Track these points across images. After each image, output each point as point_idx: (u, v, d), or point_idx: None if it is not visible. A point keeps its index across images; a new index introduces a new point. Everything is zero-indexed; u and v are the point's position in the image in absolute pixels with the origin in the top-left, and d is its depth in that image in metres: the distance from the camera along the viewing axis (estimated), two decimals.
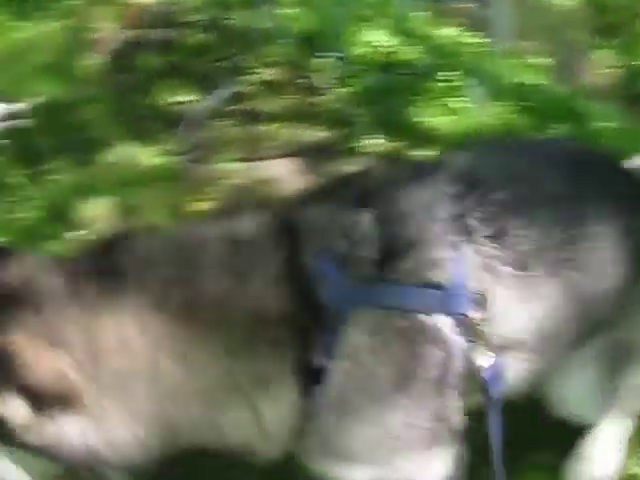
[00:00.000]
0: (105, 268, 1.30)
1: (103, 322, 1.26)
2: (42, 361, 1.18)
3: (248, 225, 1.43)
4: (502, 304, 1.56)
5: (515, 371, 1.63)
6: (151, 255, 1.36)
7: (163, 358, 1.28)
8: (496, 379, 1.54)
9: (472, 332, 1.51)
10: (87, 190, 3.21)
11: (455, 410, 1.57)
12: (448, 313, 1.51)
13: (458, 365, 1.53)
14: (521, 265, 1.56)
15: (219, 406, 1.37)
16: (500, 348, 1.57)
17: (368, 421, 1.47)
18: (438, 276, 1.50)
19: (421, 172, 1.63)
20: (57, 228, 3.02)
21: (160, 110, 3.65)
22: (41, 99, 3.70)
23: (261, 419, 1.40)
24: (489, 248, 1.56)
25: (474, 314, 1.51)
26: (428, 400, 1.51)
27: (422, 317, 1.49)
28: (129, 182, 3.25)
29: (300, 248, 1.44)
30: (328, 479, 1.58)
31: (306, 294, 1.41)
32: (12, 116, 3.54)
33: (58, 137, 3.51)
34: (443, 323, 1.51)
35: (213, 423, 1.38)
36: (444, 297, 1.49)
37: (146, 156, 3.40)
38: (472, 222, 1.56)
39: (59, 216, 3.10)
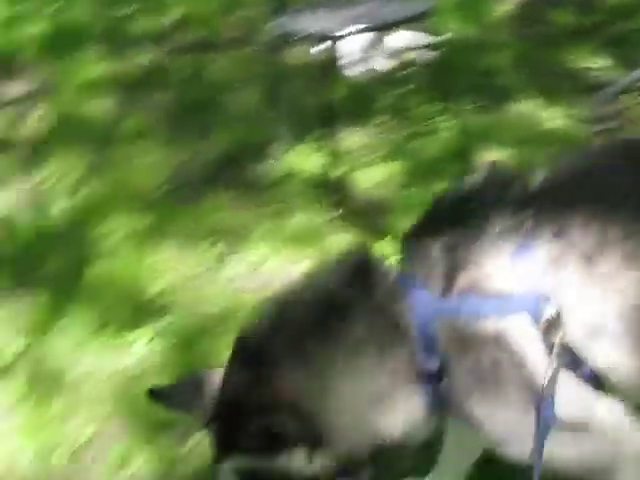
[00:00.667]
0: None
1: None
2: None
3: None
4: (573, 302, 1.59)
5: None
6: None
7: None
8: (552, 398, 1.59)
9: (546, 336, 1.57)
10: (488, 136, 3.31)
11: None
12: (523, 317, 1.59)
13: (535, 371, 1.60)
14: (588, 260, 1.59)
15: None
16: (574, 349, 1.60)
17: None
18: (508, 283, 1.59)
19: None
20: (456, 167, 3.18)
21: (569, 70, 3.62)
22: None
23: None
24: (555, 246, 1.59)
25: (548, 316, 1.56)
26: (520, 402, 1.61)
27: (499, 323, 1.58)
28: (527, 139, 3.29)
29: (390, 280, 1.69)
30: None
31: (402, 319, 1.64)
32: (431, 47, 3.75)
33: (467, 77, 3.66)
34: (519, 329, 1.58)
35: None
36: (517, 303, 1.58)
37: (549, 116, 3.45)
38: (534, 221, 1.62)
39: (460, 155, 3.24)
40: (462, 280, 1.62)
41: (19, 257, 3.29)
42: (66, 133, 4.04)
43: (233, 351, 1.73)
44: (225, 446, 1.67)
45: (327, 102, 3.81)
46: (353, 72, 3.89)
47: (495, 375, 1.61)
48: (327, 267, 1.77)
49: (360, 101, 3.88)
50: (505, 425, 1.66)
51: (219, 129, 3.91)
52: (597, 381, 1.64)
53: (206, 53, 4.65)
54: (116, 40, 4.93)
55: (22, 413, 2.58)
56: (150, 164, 3.73)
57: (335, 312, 1.67)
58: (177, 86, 4.35)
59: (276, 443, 1.60)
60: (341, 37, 3.48)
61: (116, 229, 3.32)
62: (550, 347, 1.58)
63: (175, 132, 3.95)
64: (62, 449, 2.46)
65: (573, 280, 1.60)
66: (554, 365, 1.58)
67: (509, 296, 1.60)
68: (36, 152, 4.01)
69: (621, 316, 1.59)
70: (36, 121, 4.29)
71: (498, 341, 1.59)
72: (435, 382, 1.65)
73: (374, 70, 4.06)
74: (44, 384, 2.70)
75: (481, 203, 1.68)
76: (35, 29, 5.18)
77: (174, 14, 5.16)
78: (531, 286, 1.59)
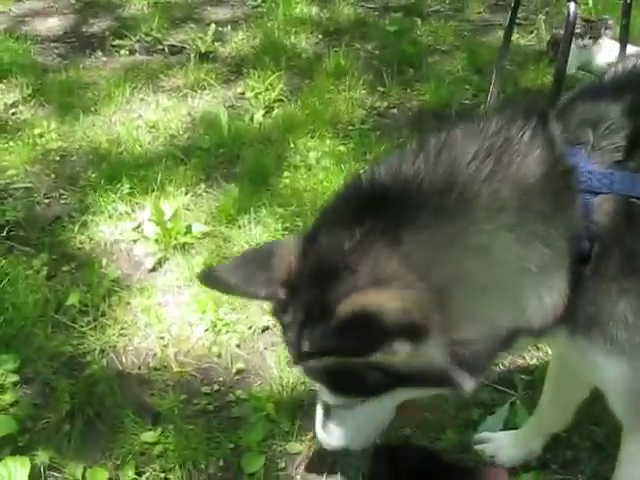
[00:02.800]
0: None
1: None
2: (395, 306, 1.22)
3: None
4: None
5: None
6: None
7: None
8: None
9: None
10: None
11: None
12: None
13: None
14: None
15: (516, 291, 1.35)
16: None
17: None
18: None
19: None
20: None
21: None
22: None
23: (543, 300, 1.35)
24: None
25: None
26: None
27: None
28: None
29: (555, 142, 1.36)
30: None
31: (563, 185, 1.34)
32: None
33: None
34: None
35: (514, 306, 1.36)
36: None
37: None
38: None
39: None
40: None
41: (217, 151, 3.32)
42: (267, 55, 4.07)
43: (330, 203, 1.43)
44: (309, 341, 1.32)
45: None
46: None
47: None
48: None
49: None
50: None
51: (423, 85, 3.87)
52: None
53: (412, 17, 4.65)
54: None
55: (200, 289, 2.53)
56: (349, 99, 3.71)
57: (472, 171, 1.33)
58: (382, 39, 4.34)
59: (372, 334, 1.22)
60: None
61: (314, 147, 3.30)
62: None
63: (376, 80, 3.93)
64: (232, 330, 2.46)
65: None
66: None
67: None
68: (238, 67, 4.09)
69: None
70: (240, 41, 4.39)
71: None
72: (583, 265, 1.34)
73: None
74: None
75: None
76: None
77: None
78: None
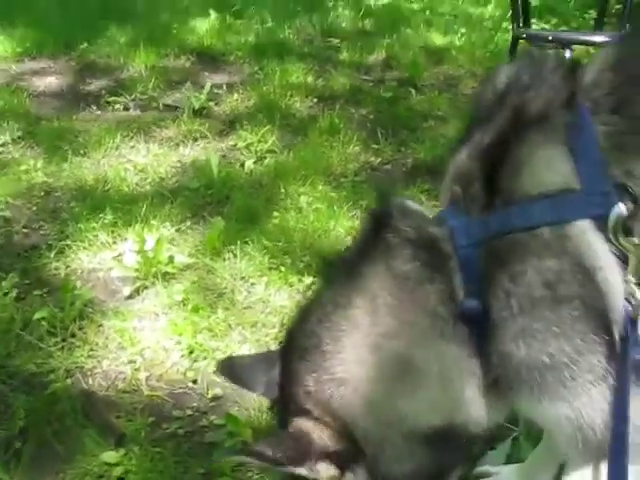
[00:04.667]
0: None
1: None
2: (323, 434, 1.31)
3: None
4: None
5: None
6: None
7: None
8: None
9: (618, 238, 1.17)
10: None
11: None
12: (586, 217, 1.19)
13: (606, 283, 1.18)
14: None
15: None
16: None
17: (533, 345, 1.21)
18: (563, 178, 1.19)
19: None
20: None
21: None
22: None
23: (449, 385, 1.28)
24: (617, 124, 1.19)
25: (620, 210, 1.16)
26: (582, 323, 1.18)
27: (556, 231, 1.19)
28: None
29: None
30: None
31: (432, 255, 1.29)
32: None
33: None
34: (582, 231, 1.18)
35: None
36: (577, 202, 1.20)
37: None
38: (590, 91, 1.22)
39: None
40: (505, 187, 1.22)
41: (205, 192, 3.24)
42: (261, 113, 4.08)
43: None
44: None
45: None
46: None
47: (554, 299, 1.18)
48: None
49: None
50: (566, 370, 1.19)
51: (418, 145, 3.84)
52: None
53: (407, 87, 4.71)
54: (321, 61, 5.07)
55: (179, 316, 2.43)
56: (342, 154, 3.67)
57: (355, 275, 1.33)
58: (376, 104, 4.36)
59: (299, 451, 1.29)
60: None
61: (305, 192, 3.22)
62: (625, 257, 1.16)
63: (370, 138, 3.91)
64: (210, 357, 2.28)
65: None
66: (633, 279, 1.15)
67: (565, 196, 1.19)
68: (231, 123, 4.07)
69: None
70: (234, 101, 4.40)
71: (557, 253, 1.18)
72: (479, 328, 1.24)
73: None
74: (204, 295, 2.56)
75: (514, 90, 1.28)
76: (244, 38, 5.47)
77: (379, 54, 5.30)
78: (592, 181, 1.19)
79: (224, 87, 4.57)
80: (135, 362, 2.26)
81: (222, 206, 3.14)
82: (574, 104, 1.21)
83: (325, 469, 1.30)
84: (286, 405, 1.37)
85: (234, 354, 2.28)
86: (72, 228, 2.91)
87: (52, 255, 2.75)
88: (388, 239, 1.29)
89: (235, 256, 2.74)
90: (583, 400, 1.22)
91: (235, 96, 4.45)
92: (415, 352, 1.28)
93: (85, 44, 5.13)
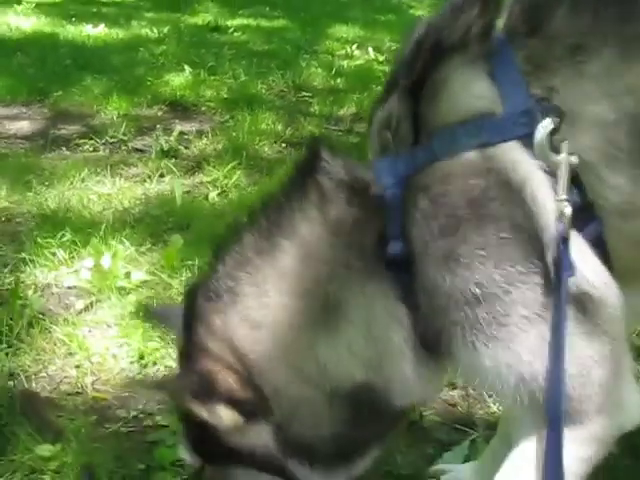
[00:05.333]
0: None
1: None
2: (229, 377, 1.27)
3: None
4: (571, 105, 1.15)
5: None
6: None
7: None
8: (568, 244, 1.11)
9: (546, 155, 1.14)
10: None
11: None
12: (511, 138, 1.17)
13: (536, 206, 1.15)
14: (576, 52, 1.16)
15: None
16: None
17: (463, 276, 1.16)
18: (484, 101, 1.19)
19: None
20: None
21: None
22: None
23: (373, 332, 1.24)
24: (534, 46, 1.19)
25: (545, 126, 1.14)
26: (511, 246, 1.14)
27: (482, 153, 1.17)
28: None
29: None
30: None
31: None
32: None
33: None
34: (507, 149, 1.16)
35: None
36: (502, 122, 1.17)
37: None
38: (505, 22, 1.22)
39: None
40: (427, 118, 1.21)
41: (167, 219, 3.23)
42: (229, 154, 4.12)
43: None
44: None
45: None
46: None
47: (478, 218, 1.14)
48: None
49: None
50: (498, 304, 1.13)
51: None
52: (603, 246, 1.17)
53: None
54: (291, 112, 5.17)
55: (131, 324, 2.38)
56: None
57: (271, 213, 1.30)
58: (346, 150, 4.41)
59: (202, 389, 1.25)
60: None
61: None
62: (553, 174, 1.13)
63: None
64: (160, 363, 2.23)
65: (566, 85, 1.17)
66: (564, 195, 1.11)
67: (489, 118, 1.18)
68: (198, 163, 4.10)
69: (636, 129, 1.14)
70: (203, 145, 4.45)
71: (481, 171, 1.16)
72: (402, 272, 1.20)
73: None
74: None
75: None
76: (216, 91, 5.58)
77: (349, 108, 5.41)
78: (514, 102, 1.17)
79: (194, 132, 4.64)
80: (82, 367, 2.21)
81: (183, 231, 3.14)
82: (490, 33, 1.21)
83: (228, 414, 1.25)
84: (192, 346, 1.31)
85: None
86: (29, 247, 2.88)
87: (6, 270, 2.72)
88: (320, 182, 1.27)
89: (193, 273, 2.73)
90: (522, 341, 1.15)
91: (204, 140, 4.49)
92: (340, 296, 1.24)
93: (60, 92, 5.21)
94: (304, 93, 5.76)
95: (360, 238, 1.25)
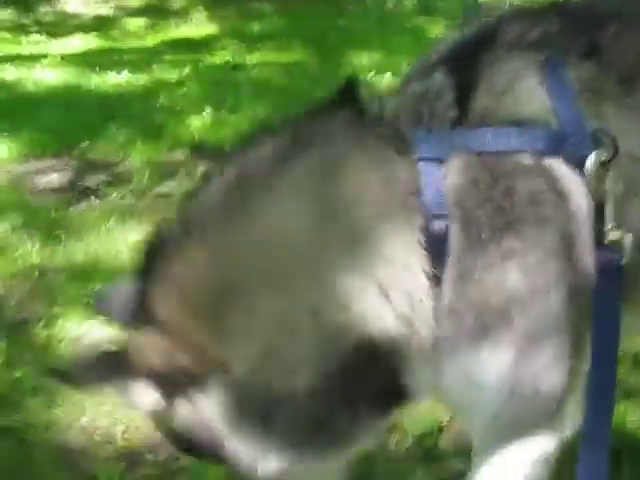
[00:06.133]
0: None
1: None
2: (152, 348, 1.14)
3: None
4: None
5: None
6: None
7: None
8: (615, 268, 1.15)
9: (596, 182, 1.17)
10: None
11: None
12: (563, 155, 1.20)
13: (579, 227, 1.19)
14: (626, 82, 1.20)
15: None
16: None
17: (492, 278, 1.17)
18: (539, 109, 1.21)
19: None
20: None
21: None
22: None
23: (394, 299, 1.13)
24: (587, 67, 1.23)
25: (598, 156, 1.17)
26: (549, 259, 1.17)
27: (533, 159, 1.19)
28: None
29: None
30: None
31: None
32: None
33: None
34: (557, 169, 1.19)
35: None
36: (555, 136, 1.19)
37: None
38: (562, 40, 1.25)
39: None
40: (476, 109, 1.23)
41: None
42: None
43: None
44: None
45: None
46: None
47: (533, 225, 1.15)
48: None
49: None
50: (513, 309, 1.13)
51: None
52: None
53: None
54: None
55: None
56: None
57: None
58: None
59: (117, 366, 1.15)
60: None
61: None
62: (599, 200, 1.16)
63: None
64: None
65: (611, 114, 1.20)
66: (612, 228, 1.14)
67: (545, 129, 1.20)
68: None
69: None
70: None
71: (534, 177, 1.18)
72: (440, 251, 1.16)
73: None
74: None
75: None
76: (237, 129, 5.73)
77: None
78: (571, 122, 1.20)
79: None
80: (113, 417, 2.33)
81: None
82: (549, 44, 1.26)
83: (144, 394, 1.14)
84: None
85: None
86: (61, 301, 3.03)
87: (40, 325, 2.87)
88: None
89: None
90: (532, 351, 1.17)
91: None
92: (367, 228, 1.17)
93: (86, 143, 5.42)
94: None
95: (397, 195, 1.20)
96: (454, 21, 10.23)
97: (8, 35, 10.97)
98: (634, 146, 1.20)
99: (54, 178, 5.13)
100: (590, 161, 1.18)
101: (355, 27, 11.55)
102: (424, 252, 1.16)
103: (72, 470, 2.10)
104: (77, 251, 3.61)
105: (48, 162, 5.48)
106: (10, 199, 4.44)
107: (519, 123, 1.21)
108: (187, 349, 1.12)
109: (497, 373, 1.18)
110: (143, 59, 9.10)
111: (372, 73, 8.04)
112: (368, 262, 1.14)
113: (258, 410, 1.13)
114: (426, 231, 1.16)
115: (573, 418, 1.24)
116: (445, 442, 2.17)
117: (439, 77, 1.27)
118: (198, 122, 6.15)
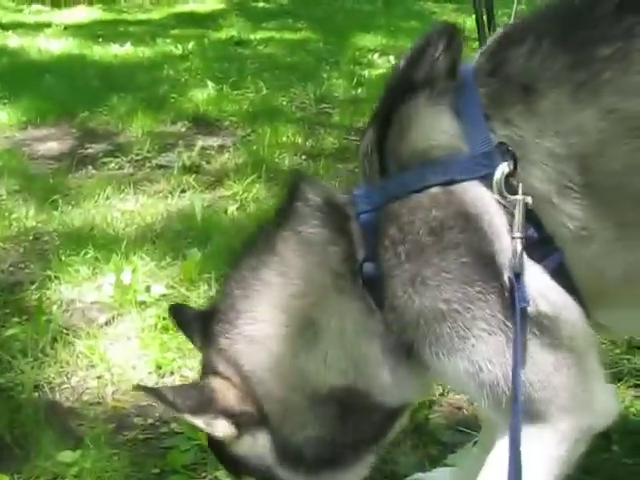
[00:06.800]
0: None
1: None
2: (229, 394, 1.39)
3: None
4: (526, 137, 1.25)
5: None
6: None
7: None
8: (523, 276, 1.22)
9: (505, 194, 1.25)
10: None
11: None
12: (473, 177, 1.28)
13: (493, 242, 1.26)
14: (528, 92, 1.25)
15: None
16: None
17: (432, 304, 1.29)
18: (450, 139, 1.29)
19: None
20: None
21: None
22: None
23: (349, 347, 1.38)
24: (493, 84, 1.29)
25: (503, 169, 1.25)
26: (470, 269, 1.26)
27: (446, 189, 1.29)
28: None
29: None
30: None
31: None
32: None
33: None
34: (466, 193, 1.28)
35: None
36: (465, 162, 1.28)
37: None
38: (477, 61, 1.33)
39: None
40: (395, 150, 1.33)
41: (187, 233, 3.35)
42: (249, 167, 4.22)
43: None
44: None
45: None
46: None
47: (441, 244, 1.26)
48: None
49: None
50: (459, 319, 1.24)
51: None
52: (567, 273, 1.27)
53: None
54: (312, 124, 5.27)
55: (149, 336, 2.50)
56: None
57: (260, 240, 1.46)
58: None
59: (200, 403, 1.38)
60: None
61: None
62: (511, 212, 1.24)
63: None
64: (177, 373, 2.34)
65: (520, 118, 1.26)
66: (519, 233, 1.22)
67: (454, 158, 1.29)
68: (220, 178, 4.22)
69: (584, 165, 1.23)
70: (225, 159, 4.57)
71: (443, 204, 1.27)
72: (377, 290, 1.33)
73: None
74: None
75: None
76: (239, 106, 5.72)
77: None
78: (477, 142, 1.28)
79: (215, 147, 4.77)
80: (103, 378, 2.32)
81: (203, 245, 3.25)
82: (455, 70, 1.33)
83: (222, 426, 1.38)
84: (203, 366, 1.46)
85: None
86: (55, 264, 3.02)
87: (33, 287, 2.86)
88: (298, 207, 1.42)
89: (210, 287, 2.82)
90: (480, 352, 1.26)
91: (225, 155, 4.62)
92: (317, 310, 1.38)
93: (87, 112, 5.39)
94: (325, 105, 5.87)
95: (333, 258, 1.38)
96: (460, 5, 10.29)
97: (11, 3, 10.96)
98: (551, 146, 1.25)
99: (53, 146, 5.11)
100: (496, 176, 1.26)
101: (361, 9, 11.56)
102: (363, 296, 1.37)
103: (60, 429, 2.09)
104: (73, 217, 3.59)
105: (47, 130, 5.46)
106: (8, 164, 4.41)
107: (434, 156, 1.30)
108: (248, 400, 1.41)
109: (454, 377, 1.32)
110: (148, 32, 9.08)
111: (376, 55, 8.07)
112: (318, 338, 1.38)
113: (290, 449, 1.42)
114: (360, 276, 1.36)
115: (585, 400, 1.28)
116: (436, 416, 2.18)
117: (369, 132, 1.41)
118: (201, 96, 6.13)
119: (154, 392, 1.41)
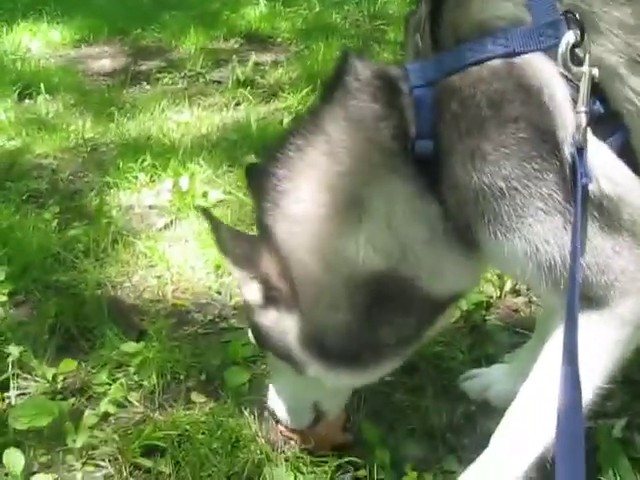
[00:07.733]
0: None
1: None
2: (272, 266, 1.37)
3: None
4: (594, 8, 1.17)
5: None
6: None
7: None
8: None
9: (570, 66, 1.17)
10: None
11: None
12: (537, 49, 1.20)
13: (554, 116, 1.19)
14: None
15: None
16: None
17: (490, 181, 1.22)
18: (513, 9, 1.21)
19: None
20: None
21: None
22: None
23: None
24: None
25: (568, 39, 1.17)
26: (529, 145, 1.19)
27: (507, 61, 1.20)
28: None
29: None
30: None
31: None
32: None
33: None
34: (528, 65, 1.20)
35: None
36: (529, 32, 1.20)
37: None
38: None
39: None
40: (456, 26, 1.24)
41: (243, 142, 3.29)
42: (304, 81, 4.16)
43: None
44: None
45: None
46: None
47: (500, 118, 1.18)
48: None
49: None
50: (517, 197, 1.18)
51: None
52: (627, 148, 1.20)
53: None
54: (366, 40, 5.14)
55: (209, 238, 2.46)
56: None
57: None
58: None
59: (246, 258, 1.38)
60: None
61: None
62: (575, 85, 1.17)
63: None
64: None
65: None
66: (583, 106, 1.15)
67: (516, 29, 1.20)
68: (274, 92, 4.16)
69: None
70: (279, 74, 4.51)
71: (504, 76, 1.19)
72: (432, 168, 1.26)
73: None
74: (235, 224, 2.53)
75: None
76: (292, 23, 5.61)
77: None
78: (541, 12, 1.20)
79: (269, 63, 4.70)
80: (163, 277, 2.36)
81: (258, 155, 3.23)
82: None
83: (255, 289, 1.40)
84: (257, 222, 1.44)
85: None
86: (113, 172, 3.05)
87: (92, 194, 2.90)
88: (347, 81, 1.34)
89: None
90: (537, 232, 1.21)
91: (279, 70, 4.55)
92: (364, 190, 1.31)
93: (139, 30, 5.35)
94: (379, 21, 5.71)
95: (383, 134, 1.29)
96: None
97: None
98: (620, 15, 1.17)
99: (107, 63, 5.10)
100: (561, 47, 1.18)
101: None
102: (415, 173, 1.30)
103: (123, 323, 2.13)
104: (129, 128, 3.60)
105: (100, 48, 5.45)
106: (63, 80, 4.43)
107: (494, 27, 1.22)
108: (283, 279, 1.39)
109: (511, 257, 1.26)
110: None
111: None
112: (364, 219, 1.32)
113: (316, 337, 1.40)
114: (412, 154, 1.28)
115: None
116: (493, 318, 2.16)
117: (421, 6, 1.32)
118: (253, 13, 6.03)
119: (215, 222, 1.40)
